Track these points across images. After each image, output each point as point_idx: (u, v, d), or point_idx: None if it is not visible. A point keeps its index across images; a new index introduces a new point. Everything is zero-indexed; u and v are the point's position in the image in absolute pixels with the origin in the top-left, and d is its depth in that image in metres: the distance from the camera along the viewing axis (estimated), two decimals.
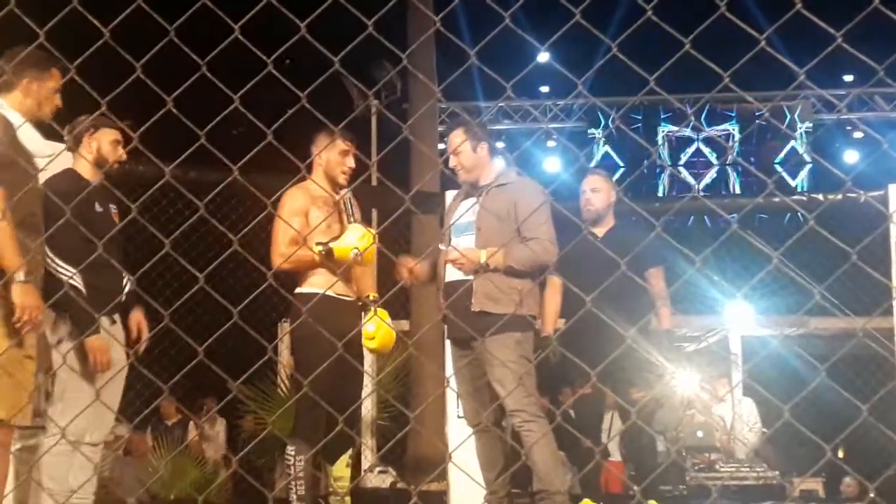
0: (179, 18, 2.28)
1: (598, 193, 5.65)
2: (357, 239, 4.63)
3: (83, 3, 2.22)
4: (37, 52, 3.06)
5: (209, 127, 2.12)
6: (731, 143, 16.38)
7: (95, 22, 2.19)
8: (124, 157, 4.63)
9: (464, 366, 4.85)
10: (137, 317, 4.61)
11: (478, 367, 4.78)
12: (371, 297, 4.87)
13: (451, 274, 4.84)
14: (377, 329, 4.78)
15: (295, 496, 4.69)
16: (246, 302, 2.34)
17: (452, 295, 4.71)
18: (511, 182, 4.87)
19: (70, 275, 4.24)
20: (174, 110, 2.09)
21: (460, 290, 4.68)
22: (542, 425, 4.68)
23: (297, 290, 4.83)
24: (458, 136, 5.00)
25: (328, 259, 4.64)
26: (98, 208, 4.44)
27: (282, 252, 4.63)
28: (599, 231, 5.62)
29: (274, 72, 2.15)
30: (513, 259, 4.69)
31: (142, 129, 2.19)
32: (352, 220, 4.82)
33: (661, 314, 5.55)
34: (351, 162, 4.88)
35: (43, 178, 4.13)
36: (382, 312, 4.86)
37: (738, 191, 16.75)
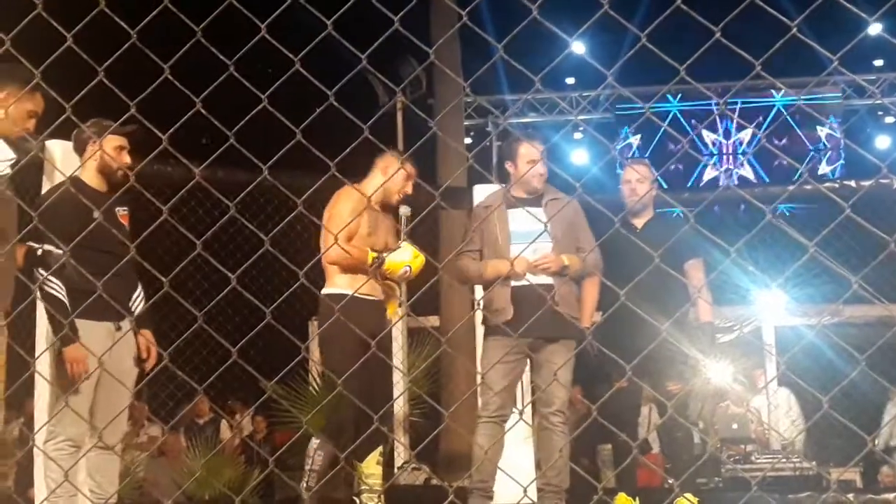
0: (187, 18, 2.27)
1: (643, 183, 5.55)
2: (410, 257, 4.93)
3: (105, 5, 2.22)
4: (28, 70, 2.71)
5: (238, 127, 2.12)
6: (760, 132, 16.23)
7: (123, 24, 2.19)
8: (129, 162, 4.65)
9: (510, 361, 4.94)
10: (147, 337, 4.66)
11: (519, 365, 5.01)
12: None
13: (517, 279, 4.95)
14: (413, 258, 4.99)
15: (304, 486, 4.88)
16: (278, 302, 2.33)
17: (523, 296, 4.86)
18: (562, 197, 5.14)
19: (51, 285, 4.28)
20: (203, 111, 2.09)
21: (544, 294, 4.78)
22: (568, 429, 5.05)
23: (324, 290, 4.96)
24: (536, 150, 5.17)
25: (376, 268, 4.87)
26: (97, 215, 4.43)
27: (336, 248, 4.77)
28: (638, 223, 5.54)
29: (301, 70, 2.14)
30: (588, 266, 5.03)
31: (170, 130, 2.19)
32: (404, 237, 5.05)
33: (700, 307, 5.49)
34: (410, 188, 5.12)
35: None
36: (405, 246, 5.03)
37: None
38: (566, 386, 4.95)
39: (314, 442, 4.90)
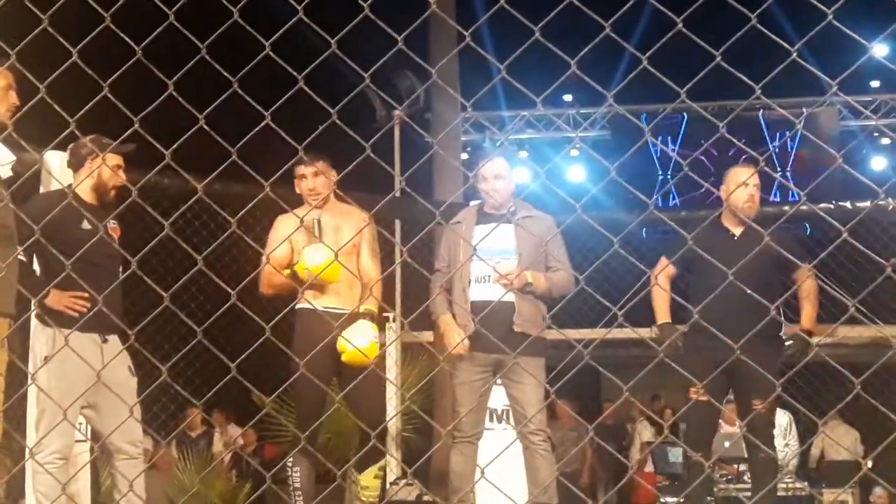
0: (183, 29, 2.29)
1: (759, 190, 5.30)
2: (308, 259, 4.81)
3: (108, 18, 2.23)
4: None
5: (240, 144, 2.13)
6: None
7: (127, 39, 2.20)
8: (124, 181, 4.66)
9: (477, 380, 4.98)
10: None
11: (487, 382, 5.01)
12: (363, 310, 4.97)
13: (481, 293, 4.98)
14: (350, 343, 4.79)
15: None
16: (276, 320, 2.33)
17: (482, 312, 4.84)
18: (536, 214, 5.14)
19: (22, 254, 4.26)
20: (206, 127, 2.10)
21: (489, 309, 4.83)
22: (549, 447, 5.03)
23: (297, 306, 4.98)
24: (501, 165, 5.15)
25: (296, 280, 4.88)
26: (86, 226, 4.46)
27: (262, 280, 4.98)
28: (737, 230, 5.27)
29: (305, 88, 2.15)
30: (554, 284, 4.99)
31: (173, 146, 2.20)
32: (317, 239, 4.93)
33: (804, 313, 5.25)
34: (309, 184, 5.07)
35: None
36: (364, 324, 4.93)
37: None
38: (540, 404, 4.95)
39: (289, 459, 4.95)
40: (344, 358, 4.78)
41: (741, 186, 5.22)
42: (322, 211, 5.08)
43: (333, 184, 5.07)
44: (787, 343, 5.24)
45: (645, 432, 12.49)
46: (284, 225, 5.06)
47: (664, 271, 5.33)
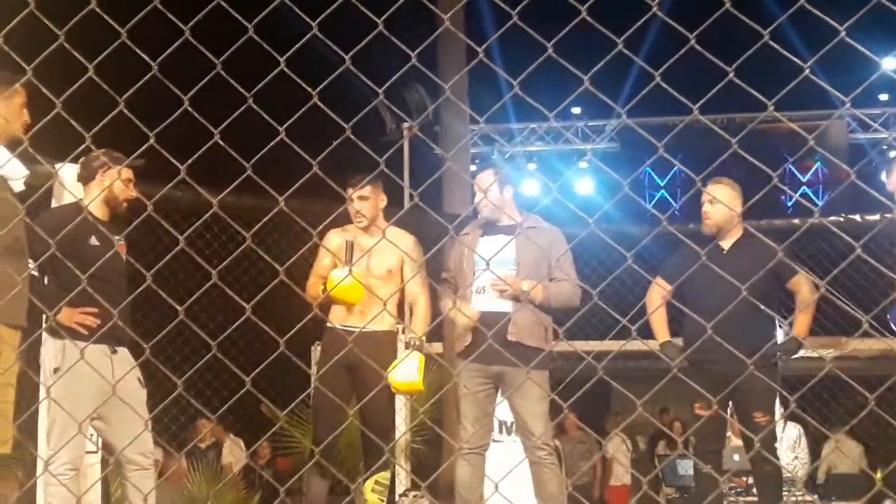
0: (199, 43, 2.31)
1: (717, 205, 5.28)
2: (332, 279, 4.95)
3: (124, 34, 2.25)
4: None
5: (255, 158, 2.14)
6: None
7: (143, 55, 2.22)
8: (134, 195, 4.73)
9: (479, 391, 4.99)
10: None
11: (491, 395, 5.03)
12: (408, 338, 5.16)
13: (480, 304, 4.98)
14: (404, 373, 4.92)
15: None
16: (291, 334, 2.35)
17: (483, 324, 4.77)
18: (541, 226, 5.14)
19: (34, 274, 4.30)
20: (220, 142, 2.11)
21: (503, 321, 4.81)
22: (556, 460, 5.03)
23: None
24: (488, 177, 5.18)
25: (326, 297, 4.97)
26: (94, 242, 4.52)
27: (307, 292, 5.13)
28: (725, 244, 5.31)
29: (318, 103, 2.17)
30: (551, 293, 4.97)
31: (189, 161, 2.22)
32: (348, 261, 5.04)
33: (798, 321, 5.25)
34: (356, 206, 5.19)
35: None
36: (412, 358, 4.98)
37: None
38: (543, 417, 4.90)
39: (305, 471, 5.06)
40: (393, 389, 4.93)
41: (701, 203, 5.34)
42: (363, 233, 5.21)
43: (378, 206, 5.28)
44: (779, 357, 5.26)
45: (609, 447, 12.65)
46: (331, 240, 5.17)
47: (660, 291, 5.40)
